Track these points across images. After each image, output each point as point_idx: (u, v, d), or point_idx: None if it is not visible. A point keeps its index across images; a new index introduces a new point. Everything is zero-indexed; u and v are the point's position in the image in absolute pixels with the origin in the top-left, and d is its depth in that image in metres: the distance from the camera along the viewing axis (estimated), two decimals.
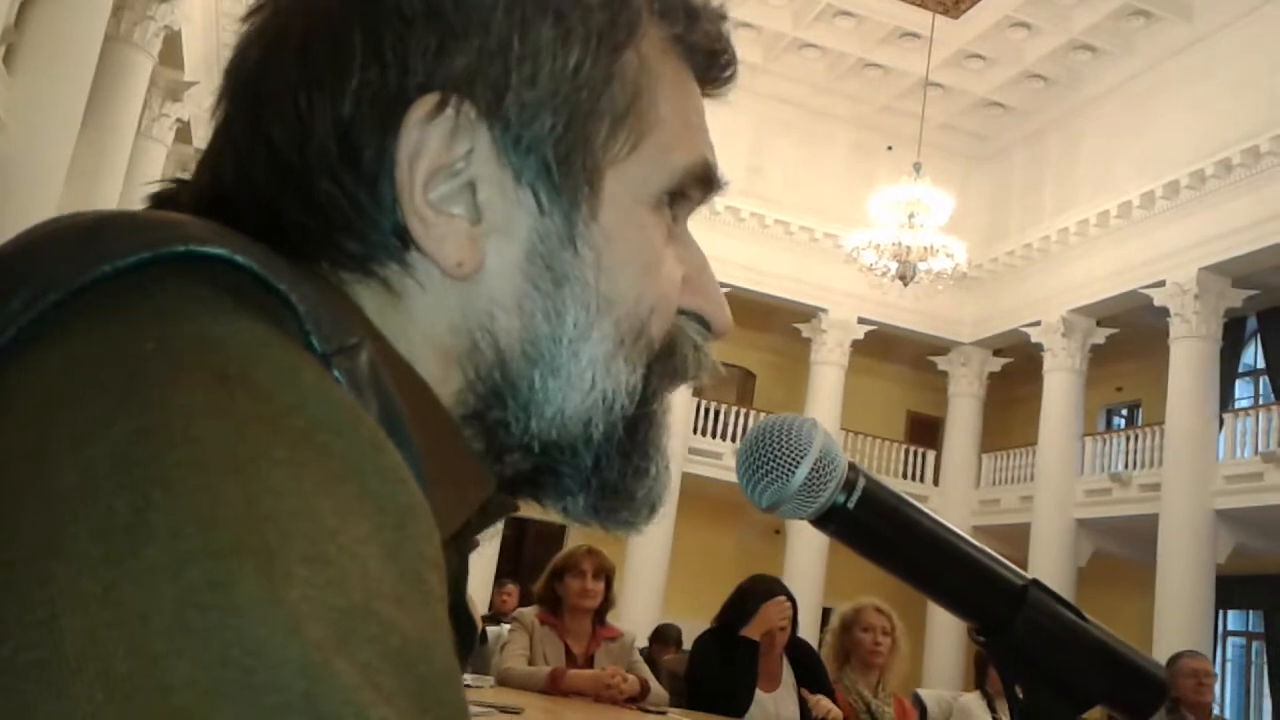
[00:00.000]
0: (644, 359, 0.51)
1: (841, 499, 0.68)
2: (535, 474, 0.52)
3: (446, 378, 0.48)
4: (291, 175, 0.46)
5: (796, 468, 0.67)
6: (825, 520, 0.69)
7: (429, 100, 0.46)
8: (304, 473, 0.32)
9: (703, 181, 0.54)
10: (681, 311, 0.54)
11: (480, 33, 0.47)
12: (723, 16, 0.57)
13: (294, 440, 0.33)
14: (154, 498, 0.30)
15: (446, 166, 0.47)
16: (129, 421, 0.32)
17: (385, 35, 0.46)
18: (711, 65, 0.56)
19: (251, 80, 0.49)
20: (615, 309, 0.50)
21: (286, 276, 0.39)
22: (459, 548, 0.49)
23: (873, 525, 0.69)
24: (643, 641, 8.18)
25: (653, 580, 15.38)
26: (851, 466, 0.69)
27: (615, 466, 0.52)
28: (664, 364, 0.53)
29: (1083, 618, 0.70)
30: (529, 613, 4.24)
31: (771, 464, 0.68)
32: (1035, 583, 0.70)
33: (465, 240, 0.47)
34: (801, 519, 0.69)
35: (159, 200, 0.50)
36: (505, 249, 0.48)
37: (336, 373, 0.38)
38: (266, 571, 0.30)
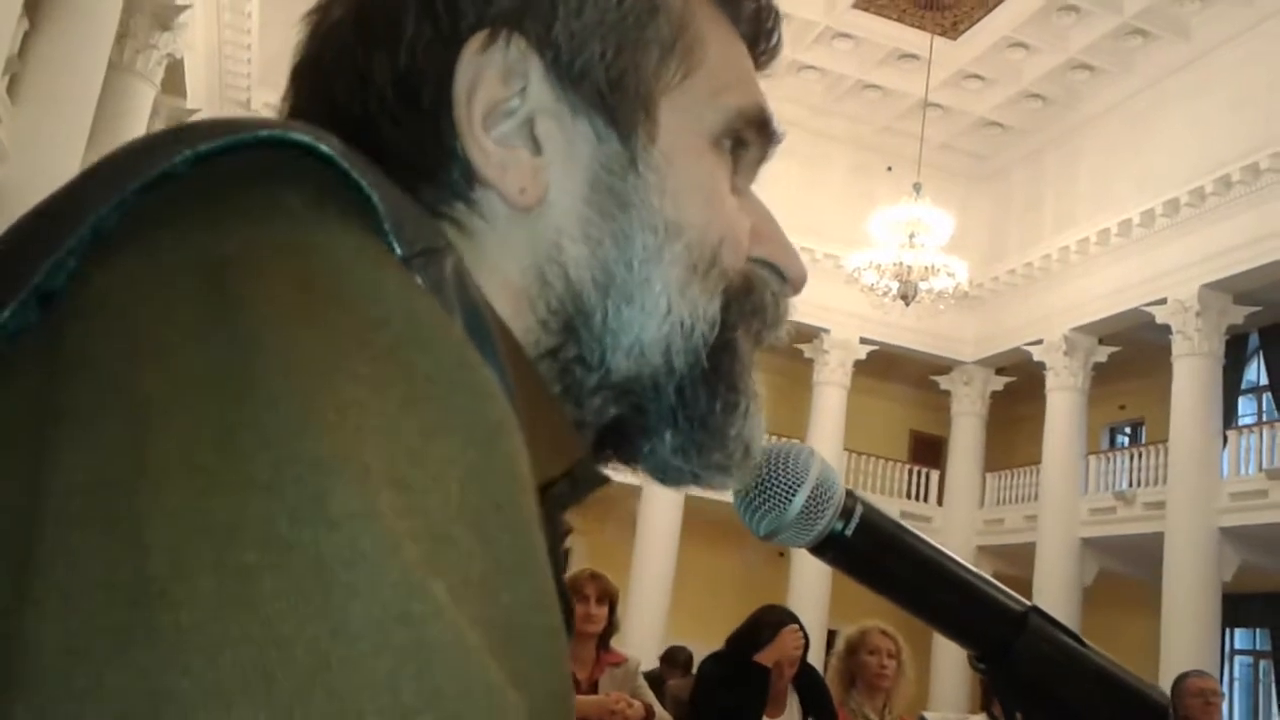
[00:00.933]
0: (719, 288, 0.51)
1: (839, 526, 0.68)
2: (619, 420, 0.51)
3: (518, 317, 0.48)
4: (355, 125, 0.47)
5: (794, 496, 0.68)
6: (824, 548, 0.69)
7: (480, 36, 0.47)
8: (388, 390, 0.31)
9: (760, 127, 0.54)
10: (753, 260, 0.54)
11: None
12: None
13: (378, 355, 0.32)
14: (240, 406, 0.29)
15: (503, 102, 0.47)
16: (213, 330, 0.31)
17: None
18: (757, 30, 0.56)
19: (312, 59, 0.51)
20: (684, 233, 0.50)
21: (370, 176, 0.38)
22: (550, 516, 0.47)
23: (871, 553, 0.69)
24: (652, 663, 8.14)
25: (657, 603, 15.32)
26: (849, 494, 0.70)
27: (702, 399, 0.51)
28: (743, 301, 0.52)
29: (1083, 643, 0.70)
30: None
31: (769, 492, 0.68)
32: (1035, 609, 0.70)
33: (527, 170, 0.48)
34: (800, 546, 0.69)
35: None
36: (567, 179, 0.49)
37: (418, 278, 0.37)
38: (361, 485, 0.29)
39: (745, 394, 0.52)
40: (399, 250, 0.37)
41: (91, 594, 0.26)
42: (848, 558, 0.69)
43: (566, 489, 0.46)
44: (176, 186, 0.36)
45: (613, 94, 0.49)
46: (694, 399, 0.51)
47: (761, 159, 0.56)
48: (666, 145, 0.50)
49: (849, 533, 0.68)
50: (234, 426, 0.29)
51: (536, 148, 0.48)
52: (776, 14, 0.57)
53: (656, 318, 0.49)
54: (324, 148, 0.37)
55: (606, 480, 0.52)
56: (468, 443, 0.32)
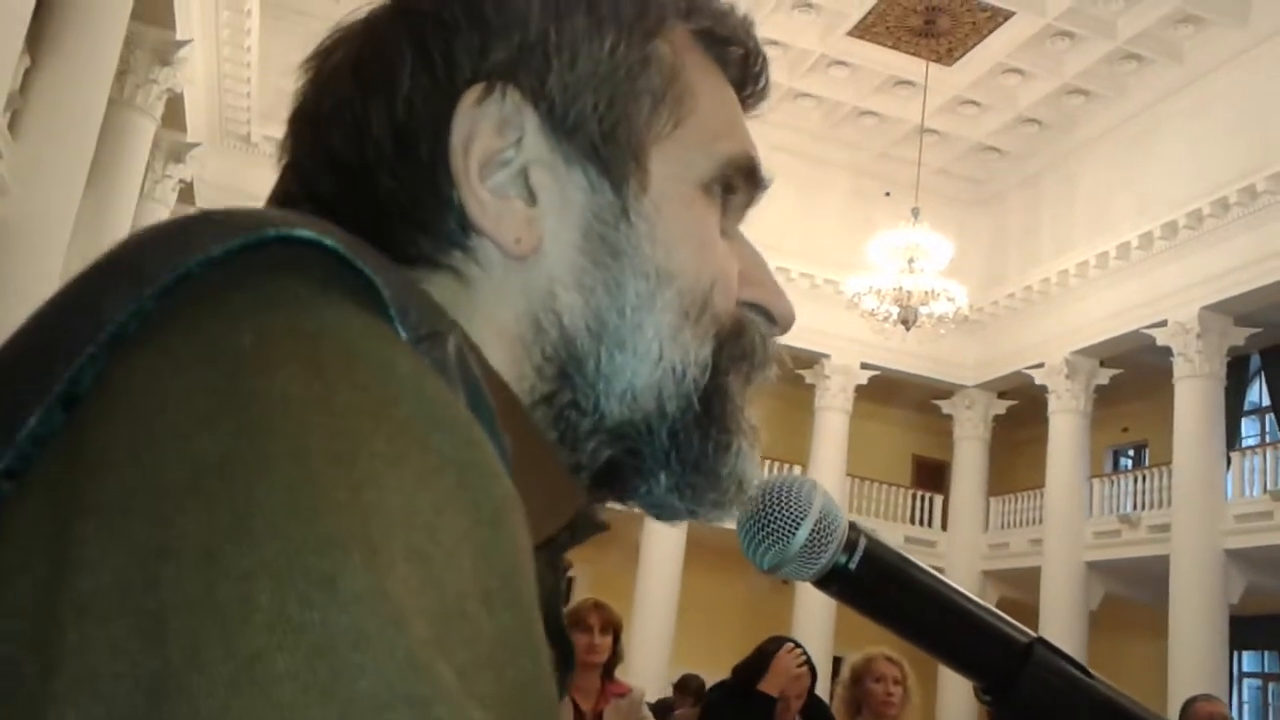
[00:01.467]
0: (710, 333, 0.52)
1: (843, 560, 0.68)
2: (614, 462, 0.52)
3: (514, 365, 0.49)
4: (353, 176, 0.49)
5: (797, 529, 0.67)
6: (827, 581, 0.69)
7: (477, 89, 0.48)
8: (402, 466, 0.32)
9: (748, 173, 0.55)
10: (742, 303, 0.55)
11: (520, 28, 0.50)
12: (748, 21, 0.58)
13: (393, 432, 0.33)
14: (254, 493, 0.30)
15: (498, 153, 0.49)
16: (230, 417, 0.32)
17: (431, 42, 0.49)
18: (744, 75, 0.58)
19: (310, 107, 0.52)
20: (675, 280, 0.51)
21: (374, 263, 0.39)
22: (550, 561, 0.49)
23: (875, 585, 0.69)
24: (657, 693, 8.08)
25: (661, 632, 15.24)
26: (852, 526, 0.69)
27: (695, 442, 0.52)
28: (733, 344, 0.53)
29: (1089, 674, 0.70)
30: None
31: (772, 526, 0.68)
32: (1040, 640, 0.70)
33: (522, 220, 0.49)
34: (803, 580, 0.69)
35: None
36: (561, 228, 0.50)
37: (424, 359, 0.38)
38: (372, 564, 0.29)
39: (737, 433, 0.54)
40: (404, 334, 0.38)
41: (114, 688, 0.27)
42: (852, 591, 0.69)
43: (566, 536, 0.48)
44: (189, 284, 0.37)
45: (606, 145, 0.50)
46: (687, 442, 0.52)
47: (749, 203, 0.57)
48: (658, 194, 0.51)
49: (853, 566, 0.68)
50: (247, 513, 0.30)
51: (531, 198, 0.49)
52: (763, 59, 0.59)
53: (649, 363, 0.50)
54: (329, 241, 0.39)
55: (606, 528, 0.53)
56: (477, 520, 0.33)
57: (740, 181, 0.55)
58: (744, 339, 0.54)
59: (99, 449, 0.32)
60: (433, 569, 0.31)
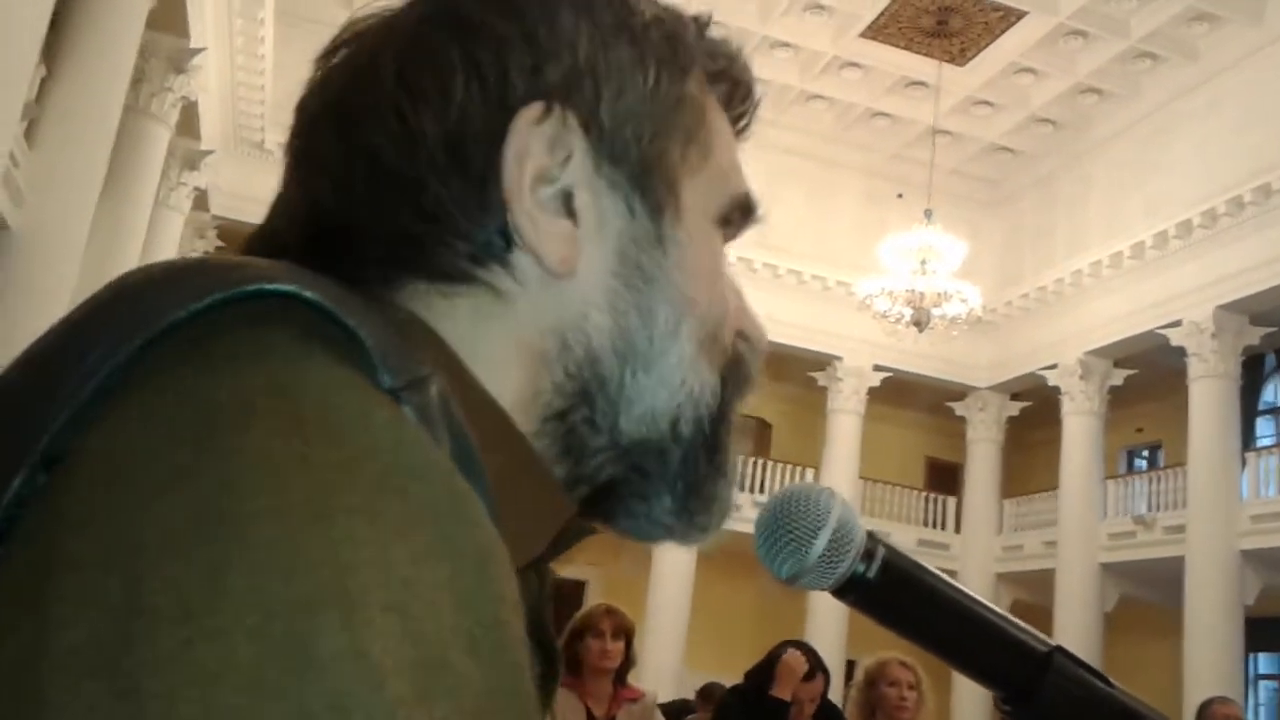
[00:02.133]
0: (720, 362, 0.54)
1: (861, 569, 0.68)
2: (619, 480, 0.52)
3: (531, 381, 0.49)
4: (399, 181, 0.49)
5: (815, 538, 0.67)
6: (845, 590, 0.69)
7: (535, 108, 0.49)
8: (380, 519, 0.32)
9: (746, 210, 0.58)
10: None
11: (570, 52, 0.50)
12: (749, 63, 0.61)
13: (369, 486, 0.33)
14: (230, 551, 0.30)
15: (548, 170, 0.49)
16: (204, 474, 0.32)
17: (483, 54, 0.49)
18: (743, 108, 0.60)
19: (338, 104, 0.51)
20: (696, 309, 0.53)
21: (355, 311, 0.39)
22: (539, 571, 0.50)
23: (893, 595, 0.69)
24: (669, 696, 8.06)
25: (674, 636, 15.23)
26: (870, 535, 0.69)
27: (701, 467, 0.53)
28: (734, 373, 0.55)
29: (1108, 683, 0.69)
30: None
31: (790, 535, 0.68)
32: (1059, 649, 0.70)
33: (567, 239, 0.50)
34: (821, 590, 0.69)
35: (260, 239, 0.52)
36: (598, 251, 0.51)
37: (406, 408, 0.38)
38: (348, 623, 0.29)
39: (730, 462, 0.56)
40: (387, 382, 0.38)
41: None
42: (870, 600, 0.69)
43: (554, 544, 0.48)
44: (168, 338, 0.37)
45: (646, 175, 0.52)
46: (694, 466, 0.53)
47: (737, 235, 0.59)
48: (686, 227, 0.53)
49: (871, 575, 0.68)
50: (222, 571, 0.30)
51: (573, 219, 0.50)
52: (755, 96, 0.61)
53: (670, 388, 0.51)
54: (309, 294, 0.39)
55: (594, 530, 0.54)
56: (458, 569, 0.33)
57: (738, 217, 0.57)
58: (741, 368, 0.56)
59: (78, 507, 0.32)
60: (412, 622, 0.31)
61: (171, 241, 13.02)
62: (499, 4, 0.51)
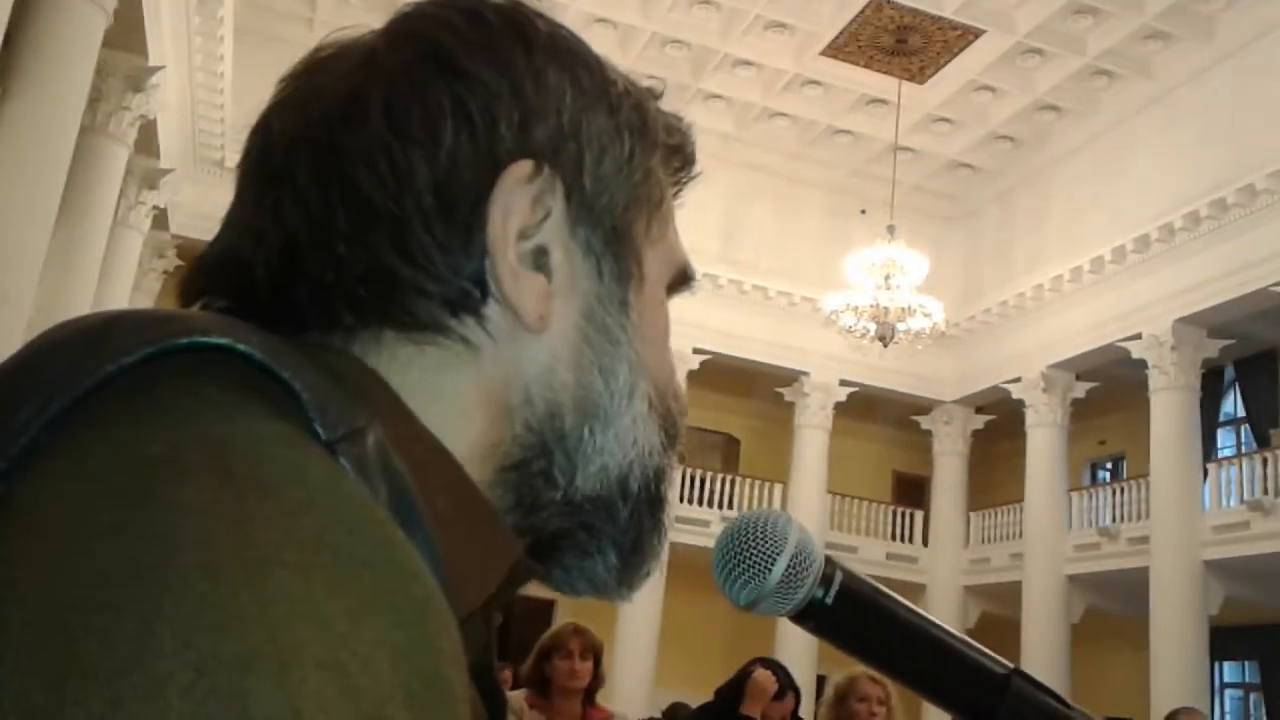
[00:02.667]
0: (664, 422, 0.56)
1: (819, 594, 0.68)
2: (564, 534, 0.53)
3: (492, 430, 0.50)
4: (385, 222, 0.48)
5: (773, 564, 0.67)
6: (804, 616, 0.68)
7: (525, 165, 0.50)
8: (315, 574, 0.32)
9: (684, 278, 0.60)
10: None
11: (556, 113, 0.52)
12: (694, 140, 0.62)
13: (303, 541, 0.33)
14: (163, 607, 0.29)
15: (531, 227, 0.51)
16: (136, 530, 0.31)
17: (473, 102, 0.50)
18: (683, 177, 0.62)
19: (319, 135, 0.50)
20: (649, 372, 0.55)
21: (290, 363, 0.39)
22: (485, 616, 0.50)
23: (851, 619, 0.68)
24: (641, 713, 8.02)
25: (643, 654, 15.19)
26: (828, 560, 0.69)
27: (646, 523, 0.55)
28: (672, 433, 0.57)
29: (1065, 705, 0.69)
30: (516, 696, 4.16)
31: (748, 561, 0.67)
32: (1017, 671, 0.70)
33: (543, 295, 0.51)
34: (780, 615, 0.68)
35: (199, 286, 0.52)
36: (567, 310, 0.52)
37: (343, 459, 0.38)
38: (282, 681, 0.29)
39: (668, 517, 0.57)
40: (323, 434, 0.38)
41: None
42: (829, 625, 0.68)
43: (502, 585, 0.48)
44: (101, 392, 0.37)
45: (617, 241, 0.54)
46: (640, 523, 0.55)
47: (675, 294, 0.61)
48: (646, 294, 0.55)
49: (829, 600, 0.67)
50: (154, 628, 0.29)
51: (548, 275, 0.51)
52: (696, 169, 0.62)
53: (624, 445, 0.53)
54: (243, 348, 0.39)
55: (538, 573, 0.54)
56: (395, 623, 0.33)
57: (678, 285, 0.60)
58: (676, 428, 0.57)
59: (7, 567, 0.32)
60: (349, 678, 0.30)
61: (130, 261, 12.89)
62: (488, 55, 0.51)
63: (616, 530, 0.54)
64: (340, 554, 0.33)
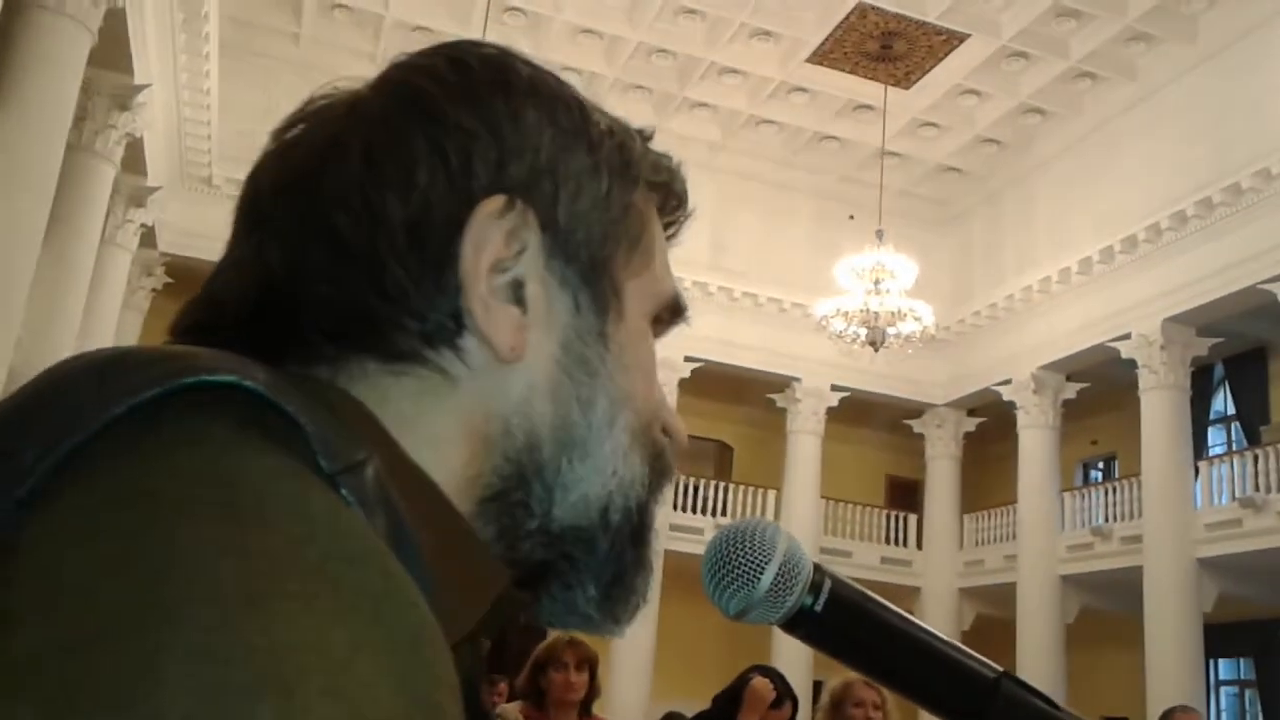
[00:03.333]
0: (648, 455, 0.56)
1: (809, 601, 0.68)
2: (548, 564, 0.54)
3: (471, 462, 0.51)
4: (359, 260, 0.50)
5: (762, 573, 0.67)
6: (794, 624, 0.69)
7: (497, 200, 0.51)
8: (316, 604, 0.33)
9: (675, 311, 0.61)
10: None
11: (533, 152, 0.53)
12: (685, 179, 0.63)
13: (306, 572, 0.34)
14: (166, 638, 0.30)
15: (505, 260, 0.51)
16: (140, 564, 0.32)
17: (449, 143, 0.51)
18: (676, 216, 0.63)
19: (300, 178, 0.52)
20: (631, 403, 0.55)
21: (294, 399, 0.40)
22: (473, 644, 0.51)
23: (841, 626, 0.69)
24: None
25: (640, 663, 15.15)
26: (817, 568, 0.69)
27: (627, 557, 0.55)
28: (657, 465, 0.57)
29: (1055, 707, 0.70)
30: (512, 709, 4.15)
31: (737, 571, 0.68)
32: (1006, 674, 0.70)
33: (516, 327, 0.51)
34: (769, 624, 0.69)
35: (188, 322, 0.53)
36: (544, 341, 0.53)
37: (344, 491, 0.39)
38: (286, 709, 0.30)
39: (651, 554, 0.57)
40: (326, 467, 0.40)
41: None
42: (819, 633, 0.69)
43: (489, 614, 0.49)
44: (105, 434, 0.37)
45: (594, 274, 0.54)
46: (620, 556, 0.55)
47: (664, 333, 0.62)
48: (628, 325, 0.56)
49: (819, 608, 0.68)
50: (158, 659, 0.30)
51: (523, 308, 0.52)
52: (687, 208, 0.64)
53: (603, 477, 0.53)
54: (248, 384, 0.40)
55: (527, 602, 0.55)
56: (395, 652, 0.34)
57: (667, 317, 0.60)
58: (662, 461, 0.58)
59: (13, 604, 0.32)
60: (352, 705, 0.31)
61: (119, 279, 12.86)
62: (468, 100, 0.52)
63: (596, 563, 0.54)
64: (342, 585, 0.34)
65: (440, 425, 0.50)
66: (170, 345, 0.45)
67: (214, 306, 0.52)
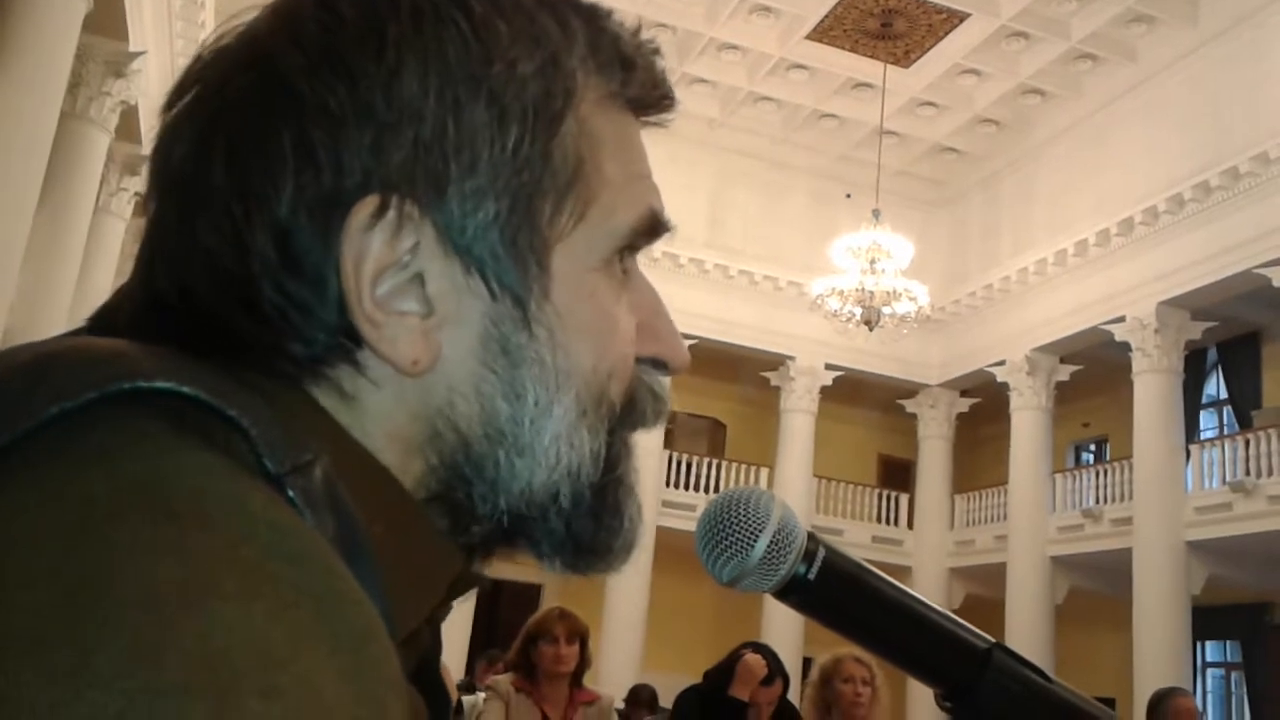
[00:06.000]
0: (606, 423, 0.51)
1: (802, 570, 0.68)
2: (509, 536, 0.52)
3: (408, 465, 0.48)
4: (234, 285, 0.45)
5: (756, 541, 0.67)
6: (787, 592, 0.69)
7: (369, 204, 0.45)
8: (255, 604, 0.32)
9: (650, 232, 0.53)
10: (639, 359, 0.54)
11: (414, 122, 0.46)
12: (655, 51, 0.55)
13: (244, 571, 0.33)
14: (101, 639, 0.30)
15: (393, 264, 0.46)
16: (76, 565, 0.32)
17: (316, 135, 0.45)
18: (651, 105, 0.56)
19: (179, 180, 0.48)
20: (574, 381, 0.50)
21: (236, 400, 0.39)
22: (431, 619, 0.50)
23: (834, 595, 0.69)
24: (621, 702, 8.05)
25: (630, 637, 15.23)
26: (810, 536, 0.69)
27: (589, 529, 0.52)
28: (625, 419, 0.53)
29: (1047, 678, 0.70)
30: (504, 680, 4.18)
31: (731, 538, 0.67)
32: (998, 645, 0.70)
33: (418, 337, 0.46)
34: (763, 592, 0.69)
35: (104, 314, 0.50)
36: (460, 337, 0.48)
37: (291, 493, 0.38)
38: (217, 710, 0.29)
39: (627, 513, 0.54)
40: (271, 468, 0.38)
41: None
42: (811, 601, 0.69)
43: (446, 595, 0.49)
44: (38, 435, 0.37)
45: (507, 252, 0.48)
46: (581, 529, 0.52)
47: (651, 244, 0.55)
48: (559, 296, 0.49)
49: (812, 576, 0.68)
50: (91, 660, 0.29)
51: (428, 307, 0.47)
52: (664, 76, 0.56)
53: (546, 467, 0.49)
54: (187, 390, 0.39)
55: (487, 582, 0.54)
56: (336, 649, 0.33)
57: (643, 240, 0.53)
58: (635, 412, 0.54)
59: None
60: (291, 704, 0.31)
61: (113, 248, 12.81)
62: (334, 68, 0.46)
63: (555, 540, 0.52)
64: (281, 583, 0.33)
65: (365, 432, 0.47)
66: (104, 342, 0.42)
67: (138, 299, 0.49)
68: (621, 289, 0.53)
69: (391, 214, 0.45)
